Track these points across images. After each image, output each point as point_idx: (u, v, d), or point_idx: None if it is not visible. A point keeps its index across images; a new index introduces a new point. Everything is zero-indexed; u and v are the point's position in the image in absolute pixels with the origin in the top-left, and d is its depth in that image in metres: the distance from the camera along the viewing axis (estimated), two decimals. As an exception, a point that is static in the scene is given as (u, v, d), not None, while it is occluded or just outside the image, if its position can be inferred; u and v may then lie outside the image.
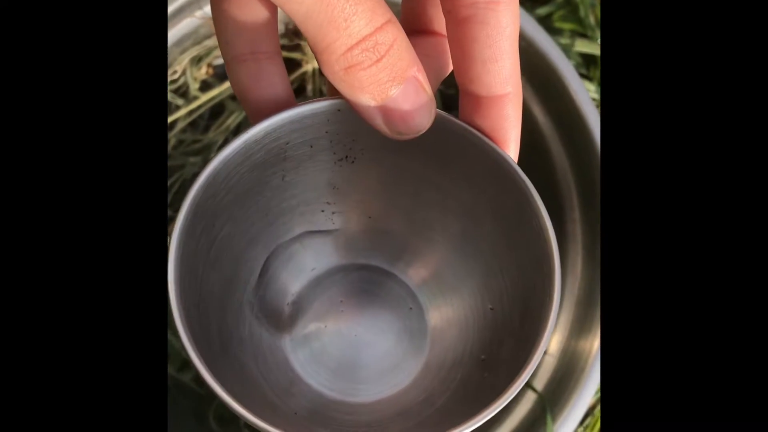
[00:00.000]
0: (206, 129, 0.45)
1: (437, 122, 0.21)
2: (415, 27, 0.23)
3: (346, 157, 0.24)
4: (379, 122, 0.19)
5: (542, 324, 0.21)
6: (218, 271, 0.24)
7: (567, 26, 0.53)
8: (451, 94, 0.46)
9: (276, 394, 0.25)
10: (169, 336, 0.39)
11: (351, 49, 0.18)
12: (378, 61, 0.18)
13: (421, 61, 0.20)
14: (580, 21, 0.52)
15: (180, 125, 0.43)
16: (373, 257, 0.28)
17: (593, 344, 0.40)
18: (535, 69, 0.43)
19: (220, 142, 0.45)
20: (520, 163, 0.22)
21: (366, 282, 0.28)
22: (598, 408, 0.48)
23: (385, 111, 0.19)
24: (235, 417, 0.42)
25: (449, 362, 0.26)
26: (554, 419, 0.39)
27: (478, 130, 0.22)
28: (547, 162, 0.43)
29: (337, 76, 0.18)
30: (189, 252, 0.22)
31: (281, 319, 0.27)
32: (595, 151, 0.41)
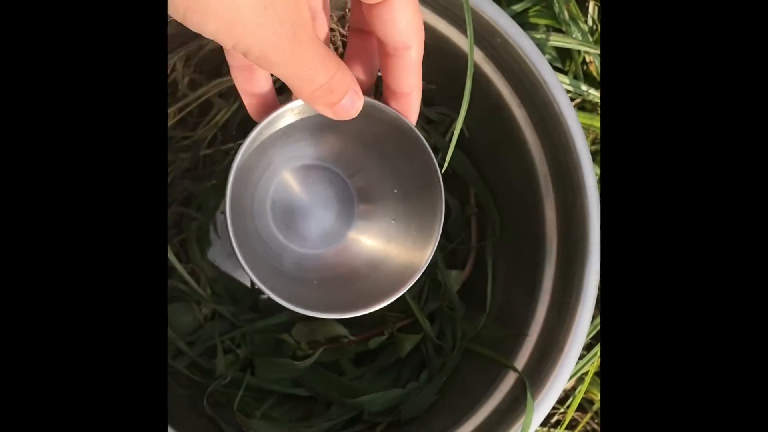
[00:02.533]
0: (195, 126, 0.46)
1: (366, 106, 0.33)
2: (358, 26, 0.33)
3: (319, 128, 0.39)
4: (329, 114, 0.31)
5: (432, 233, 0.38)
6: (249, 194, 0.40)
7: (542, 21, 0.55)
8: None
9: (274, 259, 0.41)
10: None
11: (314, 91, 0.29)
12: (331, 93, 0.30)
13: (361, 53, 0.34)
14: (554, 16, 0.54)
15: (170, 122, 0.44)
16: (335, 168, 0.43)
17: (570, 326, 0.42)
18: (511, 63, 0.44)
19: (209, 138, 0.46)
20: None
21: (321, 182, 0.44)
22: (579, 388, 0.50)
23: (333, 110, 0.31)
24: (228, 402, 0.44)
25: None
26: (534, 397, 0.40)
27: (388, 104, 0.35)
28: (523, 150, 0.45)
29: (305, 100, 0.31)
30: (237, 187, 0.35)
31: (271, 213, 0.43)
32: (568, 141, 0.43)
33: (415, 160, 0.37)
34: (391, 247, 0.41)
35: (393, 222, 0.42)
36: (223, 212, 0.35)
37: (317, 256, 0.43)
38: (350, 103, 0.31)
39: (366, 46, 0.34)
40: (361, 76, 0.34)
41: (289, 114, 0.35)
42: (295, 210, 0.43)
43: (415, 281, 0.37)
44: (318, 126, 0.39)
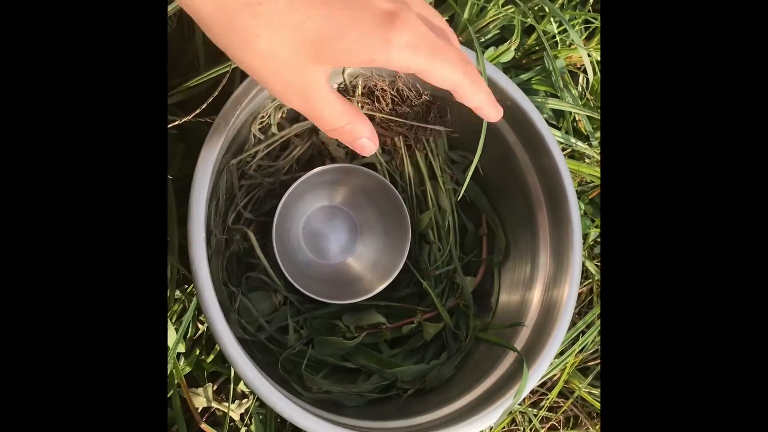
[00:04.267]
0: (277, 158, 0.60)
1: (364, 172, 0.61)
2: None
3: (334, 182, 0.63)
4: (352, 147, 0.42)
5: (402, 248, 0.61)
6: (288, 224, 0.62)
7: (542, 88, 0.69)
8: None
9: (302, 266, 0.62)
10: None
11: (329, 131, 0.40)
12: (347, 134, 0.40)
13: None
14: (551, 84, 0.69)
15: (260, 154, 0.59)
16: (345, 208, 0.66)
17: (557, 318, 0.56)
18: (517, 121, 0.59)
19: (286, 168, 0.61)
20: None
21: (336, 217, 0.65)
22: (566, 362, 0.63)
23: (353, 145, 0.41)
24: (294, 369, 0.57)
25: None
26: (529, 368, 0.54)
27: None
28: (525, 187, 0.60)
29: (326, 134, 0.42)
30: (282, 217, 0.59)
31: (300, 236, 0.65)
32: (559, 181, 0.57)
33: (394, 206, 0.62)
34: (379, 260, 0.64)
35: (381, 245, 0.64)
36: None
37: (332, 265, 0.65)
38: (362, 145, 0.41)
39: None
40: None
41: (315, 175, 0.58)
42: (319, 234, 0.65)
43: (390, 281, 0.61)
44: (333, 181, 0.62)
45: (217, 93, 0.47)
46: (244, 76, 0.51)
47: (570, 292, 0.56)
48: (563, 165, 0.57)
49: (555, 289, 0.58)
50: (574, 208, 0.57)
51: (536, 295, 0.59)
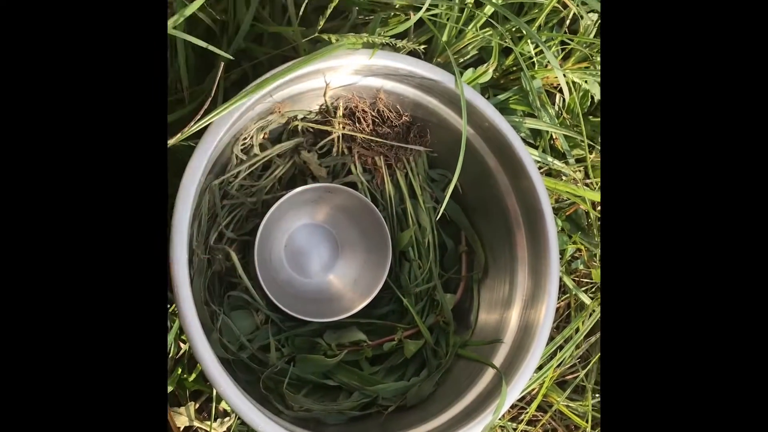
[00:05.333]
0: (259, 177, 0.61)
1: (345, 191, 0.62)
2: None
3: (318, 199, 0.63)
4: None
5: (383, 266, 0.63)
6: (271, 242, 0.63)
7: (519, 107, 0.70)
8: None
9: (284, 284, 0.63)
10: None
11: None
12: None
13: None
14: (529, 104, 0.70)
15: (242, 174, 0.59)
16: (327, 226, 0.67)
17: (534, 335, 0.57)
18: (496, 143, 0.60)
19: (268, 188, 0.62)
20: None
21: (318, 235, 0.66)
22: (545, 376, 0.64)
23: None
24: (276, 387, 0.58)
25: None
26: (507, 384, 0.55)
27: None
28: (502, 205, 0.61)
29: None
30: (264, 235, 0.60)
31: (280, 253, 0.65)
32: (536, 198, 0.58)
33: (375, 224, 0.62)
34: (359, 278, 0.65)
35: (362, 262, 0.65)
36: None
37: (314, 283, 0.65)
38: None
39: None
40: None
41: (297, 194, 0.60)
42: (301, 252, 0.65)
43: (372, 299, 0.62)
44: (315, 199, 0.63)
45: (199, 117, 0.48)
46: (226, 98, 0.51)
47: (548, 309, 0.58)
48: (541, 186, 0.58)
49: (533, 307, 0.59)
50: (551, 226, 0.59)
51: (515, 312, 0.60)
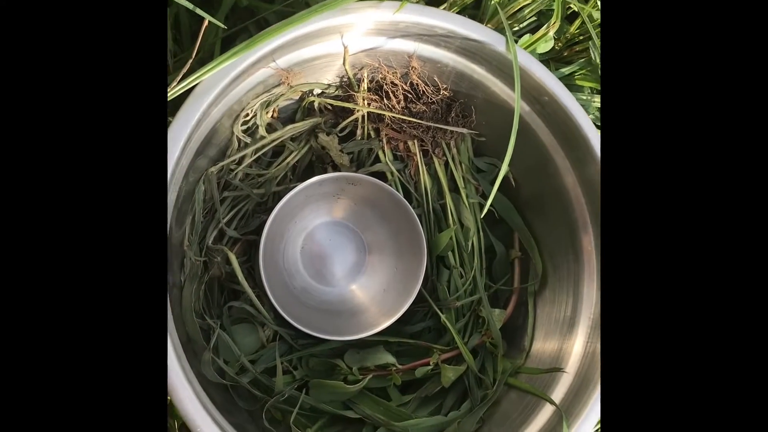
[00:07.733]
0: (268, 165, 0.51)
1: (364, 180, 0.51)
2: None
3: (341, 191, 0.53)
4: None
5: (417, 274, 0.52)
6: (284, 244, 0.54)
7: (587, 84, 0.59)
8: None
9: (298, 293, 0.54)
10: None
11: None
12: None
13: None
14: (598, 80, 0.59)
15: (247, 161, 0.49)
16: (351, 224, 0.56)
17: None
18: (556, 121, 0.49)
19: (279, 177, 0.51)
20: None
21: (340, 236, 0.56)
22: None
23: None
24: (283, 418, 0.48)
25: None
26: (570, 426, 0.43)
27: None
28: (565, 200, 0.49)
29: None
30: (275, 235, 0.50)
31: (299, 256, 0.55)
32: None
33: (408, 223, 0.52)
34: (388, 288, 0.54)
35: (392, 269, 0.54)
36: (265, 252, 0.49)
37: (335, 292, 0.55)
38: None
39: None
40: None
41: (314, 185, 0.50)
42: (320, 256, 0.55)
43: (402, 313, 0.51)
44: (336, 192, 0.53)
45: (178, 80, 0.38)
46: (204, 61, 0.42)
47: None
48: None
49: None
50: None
51: (580, 334, 0.48)
